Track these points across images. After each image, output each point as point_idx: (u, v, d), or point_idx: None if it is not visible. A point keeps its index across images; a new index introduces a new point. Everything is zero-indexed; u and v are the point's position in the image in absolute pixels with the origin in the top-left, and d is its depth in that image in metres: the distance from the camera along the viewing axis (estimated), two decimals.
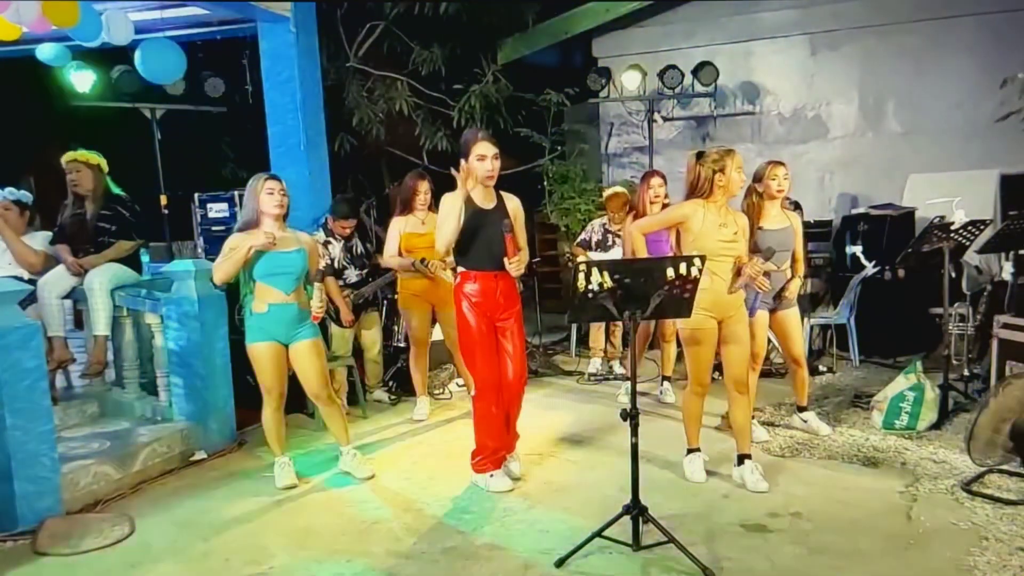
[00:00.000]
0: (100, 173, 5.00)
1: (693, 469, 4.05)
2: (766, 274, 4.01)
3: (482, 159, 3.79)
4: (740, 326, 3.92)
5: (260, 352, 4.01)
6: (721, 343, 3.95)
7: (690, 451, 4.10)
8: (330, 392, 4.23)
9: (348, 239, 5.47)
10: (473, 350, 3.95)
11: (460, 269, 3.97)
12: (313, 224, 5.61)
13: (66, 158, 4.94)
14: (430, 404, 5.47)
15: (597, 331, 6.42)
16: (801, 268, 4.51)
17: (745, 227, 3.97)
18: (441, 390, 5.88)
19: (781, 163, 4.43)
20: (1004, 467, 3.83)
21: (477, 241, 3.84)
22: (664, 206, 5.26)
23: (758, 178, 4.41)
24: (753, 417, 4.66)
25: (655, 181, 5.34)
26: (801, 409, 4.75)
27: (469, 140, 3.83)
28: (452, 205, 3.77)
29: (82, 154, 4.93)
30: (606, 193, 6.29)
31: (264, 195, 3.92)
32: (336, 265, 5.36)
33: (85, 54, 6.35)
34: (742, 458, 3.95)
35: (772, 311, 4.46)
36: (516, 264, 3.81)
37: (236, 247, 3.88)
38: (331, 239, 5.42)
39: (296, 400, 4.70)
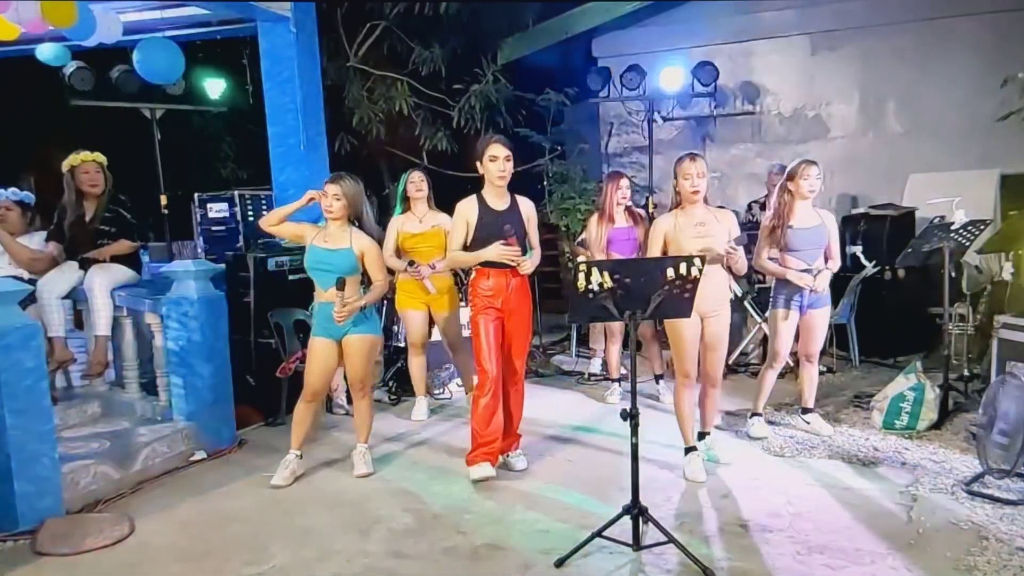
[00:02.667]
0: (109, 175, 5.07)
1: (693, 469, 4.05)
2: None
3: (494, 160, 3.99)
4: (721, 329, 4.06)
5: (312, 345, 4.19)
6: (702, 343, 4.05)
7: (688, 450, 4.11)
8: (367, 387, 4.35)
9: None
10: (484, 345, 4.06)
11: (476, 266, 4.11)
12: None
13: (82, 159, 4.97)
14: (430, 404, 5.48)
15: (597, 331, 6.42)
16: (835, 264, 4.52)
17: (728, 220, 4.04)
18: (441, 390, 5.87)
19: (814, 162, 4.40)
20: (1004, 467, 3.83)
21: (491, 241, 3.97)
22: (627, 208, 5.34)
23: (790, 176, 4.38)
24: (759, 415, 4.69)
25: (624, 183, 5.33)
26: (806, 411, 4.75)
27: (483, 142, 4.05)
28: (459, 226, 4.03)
29: (98, 156, 5.03)
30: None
31: (320, 199, 4.09)
32: None
33: (85, 54, 6.34)
34: (693, 446, 4.12)
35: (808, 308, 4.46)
36: (527, 264, 4.01)
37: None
38: None
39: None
